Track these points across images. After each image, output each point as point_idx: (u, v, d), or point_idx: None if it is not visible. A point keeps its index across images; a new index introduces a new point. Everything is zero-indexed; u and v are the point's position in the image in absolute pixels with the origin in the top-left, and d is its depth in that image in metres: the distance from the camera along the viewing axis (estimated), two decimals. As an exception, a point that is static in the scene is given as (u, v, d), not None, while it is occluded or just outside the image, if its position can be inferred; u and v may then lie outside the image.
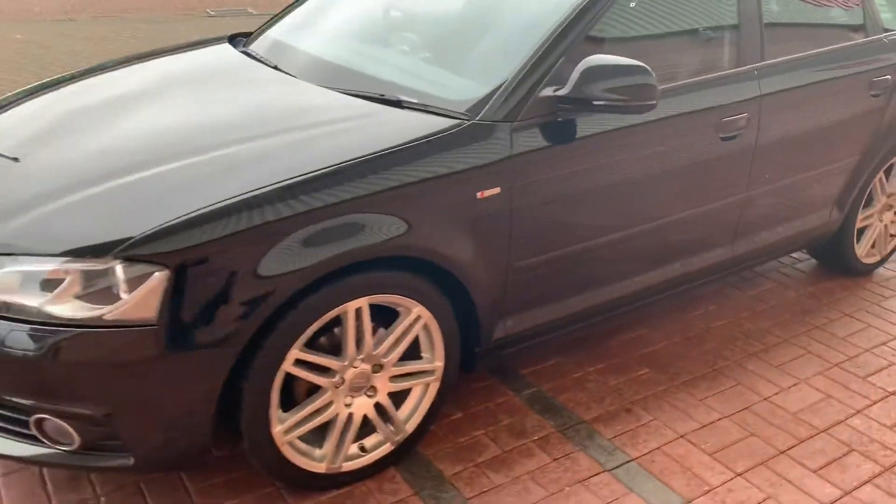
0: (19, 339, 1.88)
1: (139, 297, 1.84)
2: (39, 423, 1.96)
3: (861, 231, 3.67)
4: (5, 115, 2.59)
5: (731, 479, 2.43)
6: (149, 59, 3.02)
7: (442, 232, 2.19)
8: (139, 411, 1.94)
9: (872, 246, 3.75)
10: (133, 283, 1.85)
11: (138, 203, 1.98)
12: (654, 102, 2.29)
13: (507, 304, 2.44)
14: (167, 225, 1.89)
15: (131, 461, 1.99)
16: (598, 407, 2.73)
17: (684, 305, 3.41)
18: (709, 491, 2.37)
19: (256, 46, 3.00)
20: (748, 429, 2.66)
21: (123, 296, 1.85)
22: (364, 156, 2.11)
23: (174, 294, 1.86)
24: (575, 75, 2.28)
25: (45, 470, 2.31)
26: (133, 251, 1.85)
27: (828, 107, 3.14)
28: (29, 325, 1.87)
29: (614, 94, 2.26)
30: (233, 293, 1.91)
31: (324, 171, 2.05)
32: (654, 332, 3.20)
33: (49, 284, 1.88)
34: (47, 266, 1.88)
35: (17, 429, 2.01)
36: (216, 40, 3.18)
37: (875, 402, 2.84)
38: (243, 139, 2.20)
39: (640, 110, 2.30)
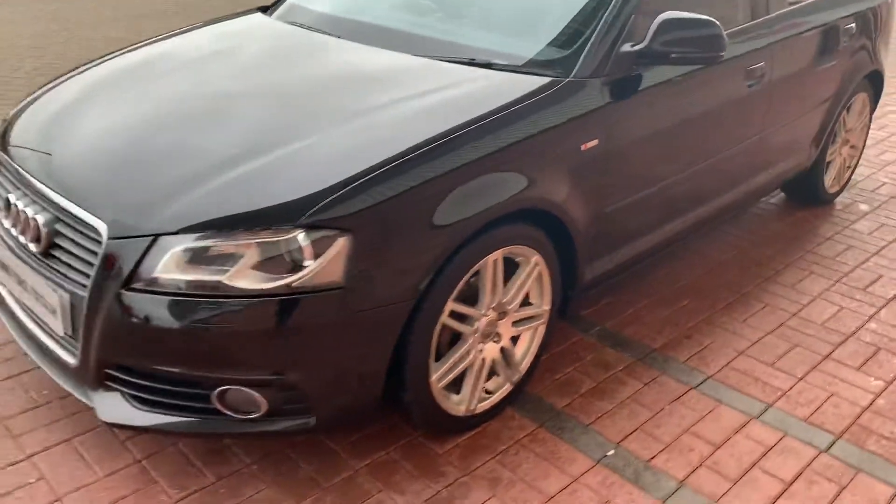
0: (209, 315, 1.93)
1: (325, 263, 1.92)
2: (222, 395, 2.01)
3: (827, 165, 4.12)
4: (108, 94, 2.56)
5: (796, 383, 2.77)
6: (212, 34, 3.03)
7: (556, 184, 2.37)
8: (325, 372, 2.03)
9: (834, 178, 4.22)
10: (317, 250, 1.93)
11: (303, 173, 2.05)
12: (724, 52, 2.54)
13: (596, 248, 2.65)
14: (343, 190, 1.97)
15: (313, 421, 2.07)
16: (660, 336, 3.01)
17: (694, 243, 3.74)
18: (782, 395, 2.70)
19: (297, 18, 3.04)
20: (791, 341, 3.01)
21: (308, 262, 1.92)
22: (493, 114, 2.25)
23: (356, 255, 1.95)
24: (651, 31, 2.49)
25: (183, 446, 2.33)
26: (315, 218, 1.93)
27: (818, 52, 3.53)
28: (216, 301, 1.92)
29: (688, 46, 2.50)
30: (407, 249, 2.03)
31: (465, 131, 2.18)
32: (681, 268, 3.52)
33: (228, 259, 1.93)
34: (228, 241, 1.93)
35: (194, 404, 2.05)
36: (245, 14, 3.20)
37: (881, 308, 3.27)
38: (371, 108, 2.28)
39: (711, 61, 2.55)
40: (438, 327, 2.19)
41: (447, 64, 2.55)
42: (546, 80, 2.44)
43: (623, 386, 2.71)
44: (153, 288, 1.95)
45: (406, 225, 2.03)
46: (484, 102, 2.32)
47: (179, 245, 1.94)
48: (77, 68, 2.89)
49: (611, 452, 2.40)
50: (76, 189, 2.11)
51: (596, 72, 2.49)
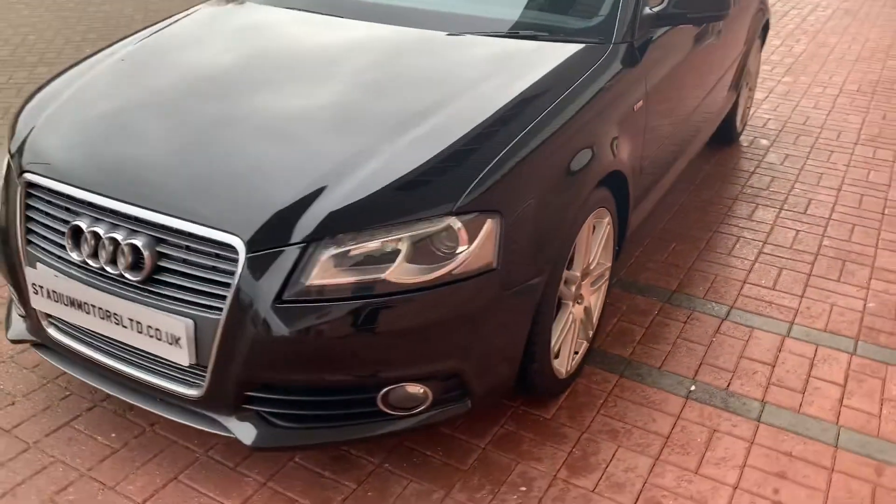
0: (375, 315, 1.88)
1: (478, 246, 1.93)
2: (385, 395, 1.97)
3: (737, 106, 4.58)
4: (153, 92, 2.37)
5: (800, 300, 3.12)
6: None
7: (625, 146, 2.50)
8: (481, 355, 2.04)
9: (740, 118, 4.69)
10: (470, 234, 1.93)
11: (437, 161, 2.01)
12: (730, 10, 2.78)
13: (637, 202, 2.82)
14: (483, 172, 1.98)
15: (469, 405, 2.08)
16: (672, 278, 3.25)
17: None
18: (796, 312, 3.04)
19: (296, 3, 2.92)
20: (775, 265, 3.38)
21: (462, 248, 1.92)
22: (574, 84, 2.33)
23: (502, 235, 1.97)
24: (668, -7, 2.68)
25: (300, 460, 2.24)
26: (465, 204, 1.93)
27: (745, 7, 3.92)
28: (381, 300, 1.87)
29: (700, 6, 2.70)
30: (541, 223, 2.08)
31: (559, 102, 2.25)
32: (647, 218, 3.79)
33: (381, 256, 1.88)
34: (382, 238, 1.88)
35: (355, 410, 1.99)
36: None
37: (826, 227, 3.73)
38: (458, 91, 2.27)
39: (720, 18, 2.77)
40: (557, 295, 2.26)
41: (498, 39, 2.57)
42: (594, 46, 2.55)
43: (667, 328, 2.92)
44: (311, 297, 1.86)
45: (537, 200, 2.07)
46: (559, 74, 2.39)
47: (331, 249, 1.86)
48: (81, 63, 2.61)
49: (693, 388, 2.60)
50: (182, 205, 1.94)
51: (627, 35, 2.63)
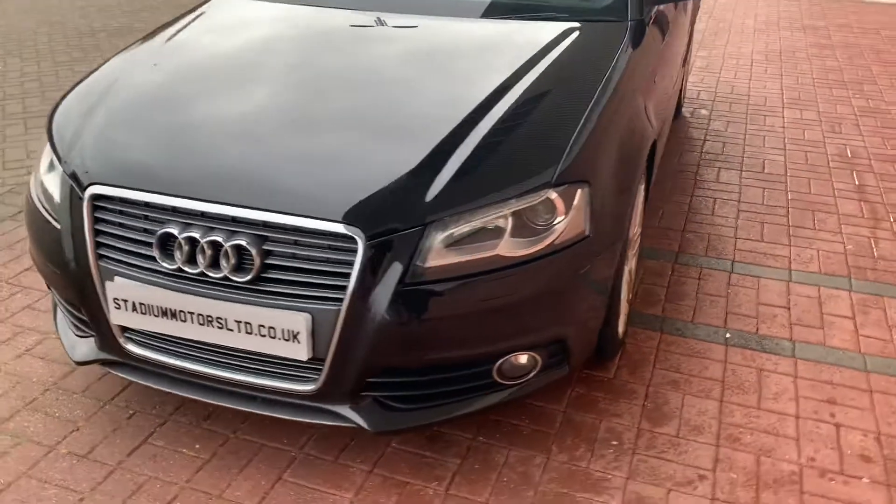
0: (492, 291, 1.95)
1: (573, 216, 2.04)
2: (500, 367, 2.04)
3: (680, 81, 4.88)
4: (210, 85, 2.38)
5: (790, 248, 3.40)
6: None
7: (656, 113, 2.67)
8: (579, 319, 2.14)
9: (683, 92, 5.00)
10: (566, 205, 2.03)
11: (525, 137, 2.11)
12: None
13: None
14: (571, 144, 2.09)
15: (567, 370, 2.18)
16: (672, 241, 3.47)
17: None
18: (790, 260, 3.31)
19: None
20: (756, 220, 3.66)
21: (559, 219, 2.02)
22: (615, 59, 2.47)
23: (592, 203, 2.09)
24: (666, -25, 2.87)
25: (397, 444, 2.28)
26: (560, 176, 2.03)
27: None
28: (496, 275, 1.94)
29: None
30: (619, 188, 2.21)
31: (608, 76, 2.38)
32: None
33: (489, 233, 1.96)
34: (491, 215, 1.95)
35: (471, 384, 2.05)
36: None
37: (786, 184, 4.06)
38: (515, 73, 2.36)
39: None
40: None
41: (521, 22, 2.69)
42: (612, 24, 2.70)
43: (685, 285, 3.12)
44: (430, 279, 1.91)
45: (613, 167, 2.20)
46: (595, 51, 2.53)
47: (443, 231, 1.92)
48: (100, 70, 2.55)
49: (728, 335, 2.81)
50: (288, 200, 1.94)
51: (636, 13, 2.79)
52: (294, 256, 1.92)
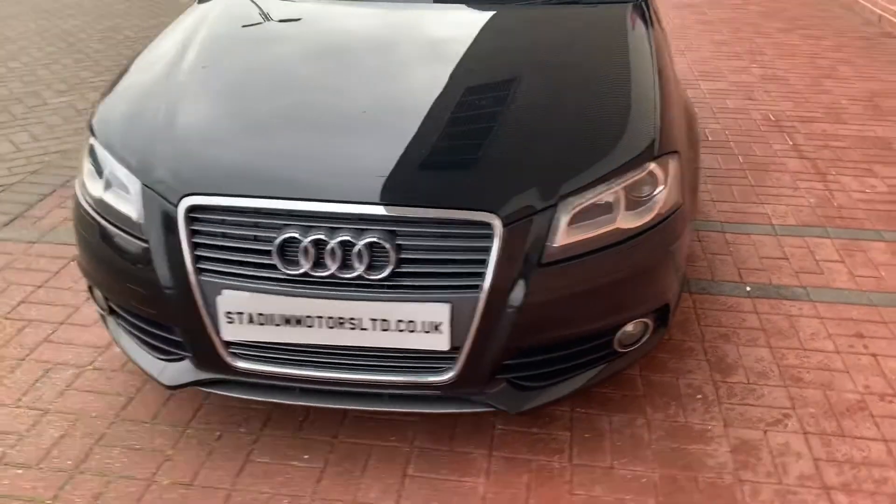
0: (618, 264, 2.04)
1: (671, 185, 2.16)
2: (619, 336, 2.14)
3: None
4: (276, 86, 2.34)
5: (761, 203, 3.70)
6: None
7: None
8: (677, 283, 2.27)
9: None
10: (664, 175, 2.15)
11: (616, 115, 2.21)
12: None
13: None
14: (657, 119, 2.22)
15: (664, 333, 2.31)
16: (658, 209, 3.67)
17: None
18: (769, 217, 3.61)
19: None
20: (723, 183, 3.94)
21: (659, 189, 2.14)
22: (646, 39, 2.62)
23: (682, 172, 2.22)
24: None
25: (503, 426, 2.33)
26: (658, 148, 2.15)
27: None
28: (621, 249, 2.03)
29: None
30: (690, 158, 2.36)
31: (649, 54, 2.52)
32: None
33: (604, 208, 2.04)
34: (608, 191, 2.04)
35: (595, 355, 2.13)
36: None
37: (729, 141, 4.39)
38: (573, 55, 2.47)
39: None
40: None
41: (545, 7, 2.78)
42: (625, 5, 2.85)
43: (690, 247, 3.33)
44: (562, 258, 1.97)
45: (686, 138, 2.34)
46: (627, 30, 2.66)
47: (569, 210, 1.98)
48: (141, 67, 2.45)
49: (748, 288, 3.04)
50: (419, 193, 1.93)
51: (633, -8, 2.97)
52: (430, 248, 1.92)
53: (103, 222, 2.13)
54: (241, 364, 2.05)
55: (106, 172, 2.17)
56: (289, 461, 2.21)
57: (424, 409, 2.07)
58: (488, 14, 2.77)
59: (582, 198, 2.00)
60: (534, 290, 1.93)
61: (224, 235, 1.98)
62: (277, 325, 1.96)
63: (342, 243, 1.90)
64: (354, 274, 1.91)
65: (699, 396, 2.45)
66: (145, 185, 2.05)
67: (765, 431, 2.31)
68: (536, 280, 1.94)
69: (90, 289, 2.36)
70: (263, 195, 1.95)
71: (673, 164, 2.17)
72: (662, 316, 2.24)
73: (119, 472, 2.16)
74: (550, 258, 1.95)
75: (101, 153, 2.20)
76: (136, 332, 2.23)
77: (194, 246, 1.98)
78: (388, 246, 1.89)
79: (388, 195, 1.93)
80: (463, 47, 2.50)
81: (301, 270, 1.92)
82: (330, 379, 2.04)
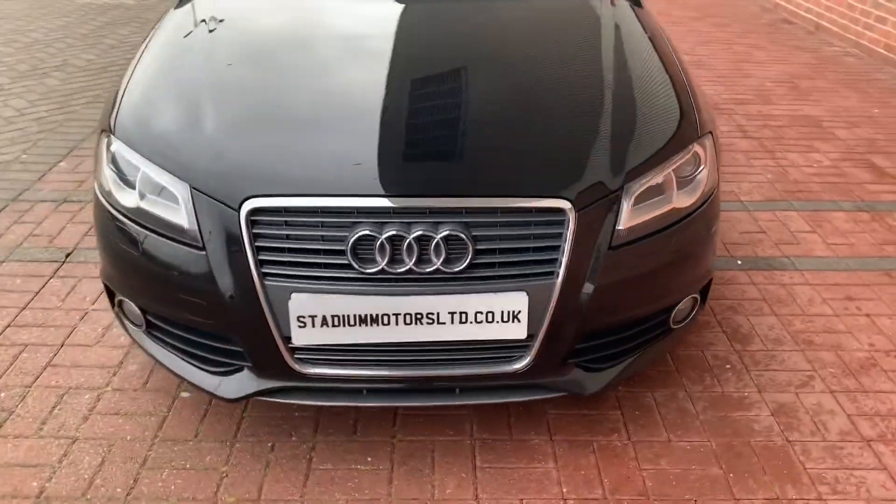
0: (678, 243, 2.11)
1: (710, 164, 2.25)
2: (674, 313, 2.21)
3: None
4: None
5: (725, 182, 3.89)
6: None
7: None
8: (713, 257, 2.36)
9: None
10: (705, 155, 2.24)
11: (661, 100, 2.28)
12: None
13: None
14: (692, 101, 2.31)
15: (703, 307, 2.40)
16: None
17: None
18: (735, 192, 3.80)
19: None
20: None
21: (700, 168, 2.22)
22: (652, 24, 2.70)
23: (716, 153, 2.32)
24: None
25: (553, 409, 2.36)
26: (701, 129, 2.23)
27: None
28: (678, 229, 2.10)
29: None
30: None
31: (665, 42, 2.60)
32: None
33: (657, 189, 2.10)
34: (664, 172, 2.10)
35: (652, 334, 2.19)
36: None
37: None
38: (602, 45, 2.50)
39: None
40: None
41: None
42: (624, -5, 2.94)
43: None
44: (629, 240, 2.02)
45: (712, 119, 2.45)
46: (640, 20, 2.74)
47: (631, 193, 2.03)
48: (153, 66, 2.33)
49: (739, 262, 3.19)
50: (492, 183, 1.94)
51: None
52: (504, 237, 1.92)
53: (145, 232, 2.01)
54: (309, 369, 1.99)
55: (137, 179, 2.05)
56: (353, 465, 2.16)
57: (498, 400, 2.07)
58: (498, 5, 2.78)
59: (643, 180, 2.04)
60: (605, 273, 1.97)
61: (289, 237, 1.91)
62: (352, 325, 1.91)
63: (419, 238, 1.87)
64: (432, 268, 1.88)
65: (728, 366, 2.56)
66: (197, 191, 1.95)
67: (796, 394, 2.45)
68: (607, 263, 1.97)
69: (118, 304, 2.22)
70: (331, 193, 1.90)
71: (709, 144, 2.26)
72: (704, 291, 2.32)
73: (178, 495, 2.05)
74: (619, 241, 1.99)
75: (131, 159, 2.08)
76: (182, 346, 2.11)
77: (257, 250, 1.90)
78: (465, 238, 1.88)
79: (463, 187, 1.92)
80: (495, 39, 2.51)
81: (378, 268, 1.88)
82: (402, 377, 2.01)
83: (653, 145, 2.12)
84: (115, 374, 2.48)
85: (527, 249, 1.93)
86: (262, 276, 1.90)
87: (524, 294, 1.91)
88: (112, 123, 2.18)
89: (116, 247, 2.09)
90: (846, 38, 6.41)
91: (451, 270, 1.89)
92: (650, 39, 2.60)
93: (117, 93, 2.33)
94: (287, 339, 1.95)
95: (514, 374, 2.02)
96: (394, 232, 1.86)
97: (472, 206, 1.90)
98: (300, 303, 1.89)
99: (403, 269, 1.88)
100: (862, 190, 3.83)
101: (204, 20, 2.61)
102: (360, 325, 1.91)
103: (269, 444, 2.22)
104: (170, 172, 2.00)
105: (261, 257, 1.90)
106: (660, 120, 2.21)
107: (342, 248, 1.88)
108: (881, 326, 2.78)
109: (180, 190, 1.97)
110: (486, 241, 1.91)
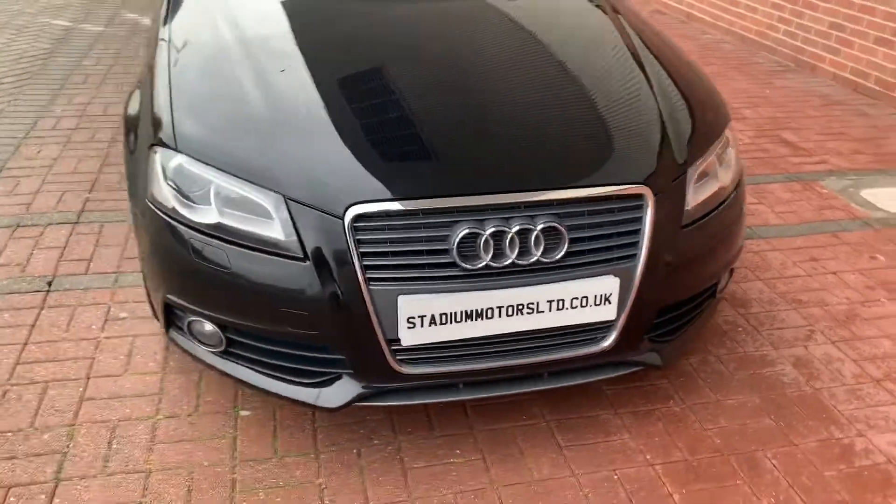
0: (727, 221, 2.32)
1: (734, 148, 2.47)
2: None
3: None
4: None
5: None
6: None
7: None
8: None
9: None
10: (732, 138, 2.46)
11: (696, 89, 2.49)
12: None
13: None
14: (716, 91, 2.51)
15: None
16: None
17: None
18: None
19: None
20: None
21: (730, 150, 2.43)
22: (645, 19, 2.89)
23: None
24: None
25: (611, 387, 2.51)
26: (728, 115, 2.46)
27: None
28: (727, 208, 2.31)
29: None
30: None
31: (669, 41, 2.80)
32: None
33: (703, 173, 2.28)
34: (710, 157, 2.29)
35: (703, 308, 2.38)
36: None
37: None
38: (620, 40, 2.66)
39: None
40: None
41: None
42: (603, -3, 3.12)
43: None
44: (695, 218, 2.19)
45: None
46: (636, 15, 2.92)
47: (693, 174, 2.21)
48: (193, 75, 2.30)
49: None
50: (579, 174, 2.04)
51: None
52: (593, 225, 2.03)
53: (233, 248, 1.95)
54: (410, 369, 2.02)
55: (211, 194, 1.99)
56: (445, 460, 2.20)
57: (583, 380, 2.18)
58: (517, 9, 2.88)
59: (701, 163, 2.22)
60: (679, 251, 2.13)
61: (392, 241, 1.92)
62: (458, 321, 1.96)
63: (520, 231, 1.94)
64: (533, 259, 1.97)
65: (740, 329, 2.81)
66: (294, 201, 1.92)
67: (805, 347, 2.73)
68: (680, 241, 2.13)
69: (188, 326, 2.13)
70: (432, 194, 1.93)
71: (730, 130, 2.47)
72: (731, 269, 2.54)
73: (283, 512, 2.02)
74: (687, 220, 2.16)
75: (202, 173, 2.01)
76: (270, 362, 2.07)
77: (362, 255, 1.91)
78: (561, 228, 1.97)
79: (554, 179, 2.01)
80: (532, 39, 2.60)
81: (482, 263, 1.94)
82: (499, 368, 2.07)
83: (702, 130, 2.31)
84: (160, 401, 2.37)
85: (612, 234, 2.05)
86: (368, 280, 1.91)
87: (615, 277, 2.03)
88: (171, 137, 2.09)
89: (194, 266, 2.01)
90: (718, 26, 6.99)
91: (549, 260, 1.98)
92: (662, 34, 2.79)
93: (153, 104, 2.23)
94: (391, 342, 1.96)
95: (600, 354, 2.13)
96: (496, 228, 1.92)
97: (564, 197, 1.99)
98: (409, 304, 1.91)
99: (507, 263, 1.95)
100: (786, 163, 4.25)
101: (223, 24, 2.53)
102: (465, 320, 1.96)
103: (355, 451, 2.22)
104: (257, 184, 1.95)
105: (365, 262, 1.91)
106: (701, 107, 2.40)
107: (446, 247, 1.93)
108: (848, 282, 3.14)
109: (272, 202, 1.93)
110: (577, 229, 2.01)
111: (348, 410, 2.19)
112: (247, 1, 2.73)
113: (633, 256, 2.06)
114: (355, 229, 1.90)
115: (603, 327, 2.11)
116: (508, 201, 1.95)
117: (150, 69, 2.45)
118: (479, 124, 2.13)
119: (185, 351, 2.21)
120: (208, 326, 2.09)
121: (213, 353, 2.14)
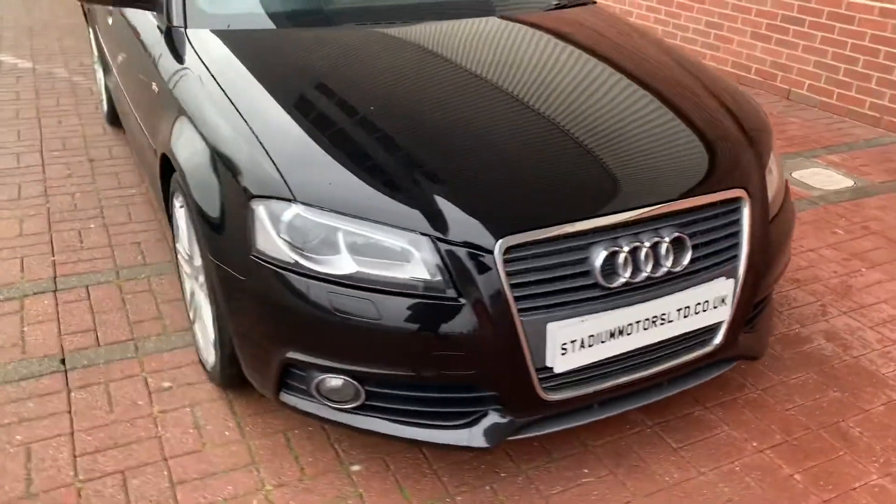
0: (790, 213, 2.48)
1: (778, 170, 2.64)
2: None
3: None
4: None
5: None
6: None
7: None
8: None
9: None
10: (770, 138, 2.65)
11: (736, 97, 2.61)
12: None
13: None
14: None
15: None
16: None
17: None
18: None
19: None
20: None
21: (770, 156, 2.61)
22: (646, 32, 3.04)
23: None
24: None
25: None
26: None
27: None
28: (786, 196, 2.49)
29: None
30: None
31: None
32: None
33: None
34: (772, 154, 2.46)
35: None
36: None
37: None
38: (633, 56, 2.75)
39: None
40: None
41: (551, 11, 3.03)
42: (594, 6, 3.23)
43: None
44: (775, 213, 2.38)
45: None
46: (622, 26, 3.05)
47: (767, 174, 2.38)
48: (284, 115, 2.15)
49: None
50: (685, 185, 2.11)
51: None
52: (707, 230, 2.13)
53: (376, 296, 1.86)
54: (554, 396, 2.01)
55: (340, 242, 1.89)
56: (578, 481, 2.21)
57: (697, 382, 2.26)
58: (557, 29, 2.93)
59: (770, 161, 2.39)
60: (770, 245, 2.27)
61: (537, 269, 1.92)
62: (604, 342, 1.99)
63: (653, 245, 2.00)
64: (664, 270, 2.03)
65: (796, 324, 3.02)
66: (438, 240, 1.86)
67: (827, 321, 2.98)
68: (770, 236, 2.28)
69: (313, 387, 2.00)
70: (574, 219, 1.94)
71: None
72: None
73: (453, 563, 1.94)
74: (771, 215, 2.30)
75: (327, 221, 1.90)
76: (414, 409, 1.99)
77: (512, 287, 1.89)
78: (685, 236, 2.05)
79: (672, 191, 2.08)
80: (587, 58, 2.64)
81: (622, 281, 1.98)
82: (632, 381, 2.11)
83: (765, 130, 2.47)
84: (259, 471, 2.20)
85: (721, 238, 2.15)
86: (520, 311, 1.89)
87: (729, 279, 2.14)
88: (282, 186, 1.94)
89: (331, 320, 1.89)
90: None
91: (678, 270, 2.05)
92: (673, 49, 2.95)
93: (235, 153, 2.06)
94: (539, 370, 1.95)
95: (710, 354, 2.23)
96: (633, 244, 1.97)
97: (684, 207, 2.07)
98: (560, 330, 1.91)
99: (643, 277, 2.00)
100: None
101: (267, 63, 2.38)
102: (609, 339, 1.99)
103: (488, 488, 2.17)
104: (393, 226, 1.87)
105: (515, 294, 1.89)
106: (748, 110, 2.55)
107: (587, 269, 1.95)
108: (826, 257, 3.46)
109: (411, 242, 1.87)
110: (696, 236, 2.10)
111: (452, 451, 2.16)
112: (286, 43, 2.58)
113: (736, 256, 2.17)
114: (506, 261, 1.87)
115: (714, 328, 2.20)
116: (639, 216, 2.00)
117: (184, 113, 2.29)
118: (590, 145, 2.15)
119: (304, 413, 2.06)
120: (340, 382, 1.97)
121: (343, 410, 2.02)
